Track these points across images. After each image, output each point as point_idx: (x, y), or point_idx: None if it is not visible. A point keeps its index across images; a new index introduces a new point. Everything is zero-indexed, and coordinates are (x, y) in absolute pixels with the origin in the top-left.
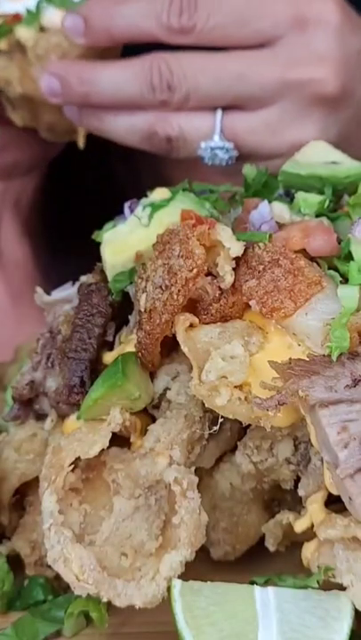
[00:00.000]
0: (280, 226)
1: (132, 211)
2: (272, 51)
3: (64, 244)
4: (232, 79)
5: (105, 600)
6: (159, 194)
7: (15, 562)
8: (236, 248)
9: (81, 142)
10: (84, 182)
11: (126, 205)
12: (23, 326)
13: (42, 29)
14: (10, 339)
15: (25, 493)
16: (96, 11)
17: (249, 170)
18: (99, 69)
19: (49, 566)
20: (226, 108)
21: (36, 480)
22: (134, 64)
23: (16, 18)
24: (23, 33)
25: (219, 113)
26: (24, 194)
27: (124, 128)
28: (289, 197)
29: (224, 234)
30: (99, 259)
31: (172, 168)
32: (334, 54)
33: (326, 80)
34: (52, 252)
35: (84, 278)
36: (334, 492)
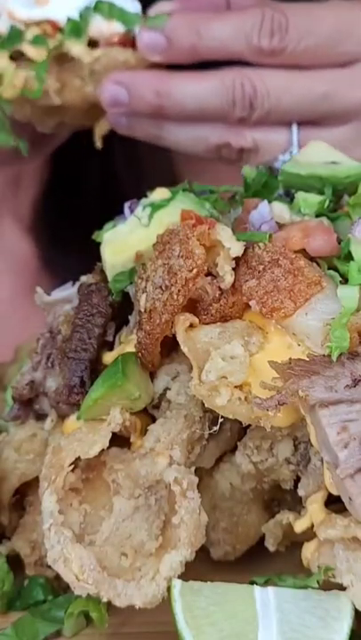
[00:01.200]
0: (280, 226)
1: (132, 211)
2: (354, 71)
3: (67, 240)
4: (317, 99)
5: (105, 600)
6: (159, 194)
7: (15, 562)
8: (236, 248)
9: (99, 143)
10: (88, 179)
11: (126, 205)
12: (30, 321)
13: (91, 42)
14: (18, 332)
15: (25, 493)
16: (182, 28)
17: (248, 170)
18: (177, 82)
19: (49, 566)
20: (300, 123)
21: (36, 480)
22: (215, 78)
23: (55, 27)
24: (75, 48)
25: (295, 128)
26: (25, 190)
27: (190, 138)
28: (289, 197)
29: (224, 234)
30: (99, 259)
31: (183, 164)
32: None
33: None
34: (56, 248)
35: (84, 278)
36: (334, 492)
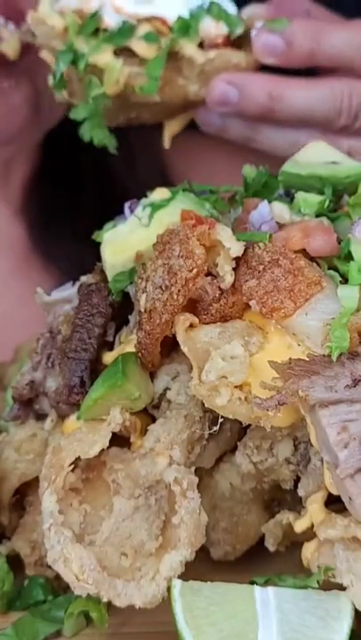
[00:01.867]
0: (280, 226)
1: (132, 211)
2: None
3: (59, 221)
4: None
5: (105, 600)
6: (159, 194)
7: (15, 562)
8: (236, 248)
9: (168, 143)
10: (80, 161)
11: (126, 205)
12: (24, 303)
13: (200, 44)
14: (11, 313)
15: (25, 493)
16: (303, 33)
17: (248, 170)
18: (290, 86)
19: (49, 566)
20: None
21: (36, 480)
22: (325, 86)
23: (165, 25)
24: (189, 48)
25: None
26: (16, 172)
27: (287, 143)
28: (289, 197)
29: (224, 234)
30: (98, 258)
31: (172, 153)
32: None
33: None
34: (47, 230)
35: (84, 278)
36: (334, 492)
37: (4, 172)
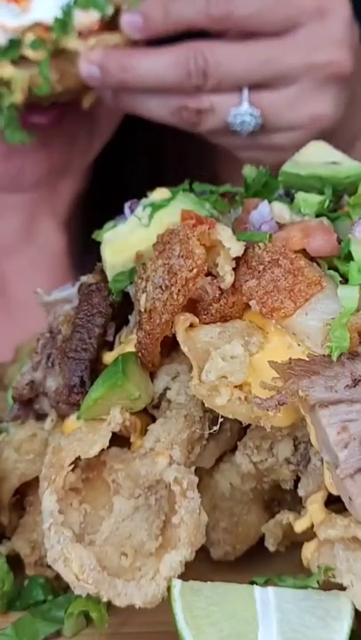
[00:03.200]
0: (280, 226)
1: (132, 211)
2: (296, 37)
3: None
4: (260, 64)
5: (105, 600)
6: (159, 194)
7: (15, 562)
8: (237, 248)
9: (87, 103)
10: (129, 181)
11: (126, 205)
12: None
13: (79, 34)
14: None
15: (25, 493)
16: (153, 7)
17: (249, 170)
18: (138, 57)
19: (49, 566)
20: (252, 87)
21: (35, 480)
22: (172, 53)
23: (45, 28)
24: (70, 42)
25: (245, 90)
26: (64, 188)
27: (157, 105)
28: (289, 198)
29: (224, 234)
30: (99, 258)
31: (223, 164)
32: (348, 39)
33: (343, 62)
34: (90, 244)
35: (84, 278)
36: (334, 492)
37: (52, 191)
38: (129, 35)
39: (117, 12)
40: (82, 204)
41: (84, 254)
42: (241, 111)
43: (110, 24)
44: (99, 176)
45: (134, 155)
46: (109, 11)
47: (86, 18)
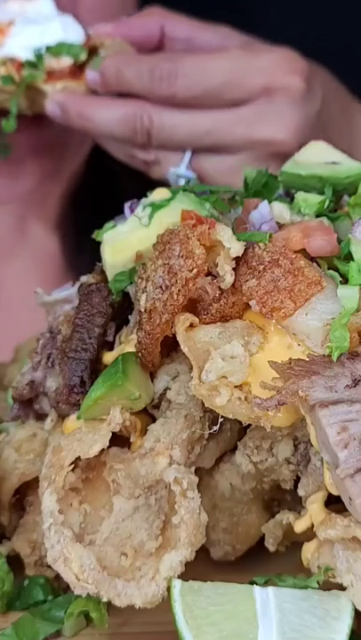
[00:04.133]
0: (280, 226)
1: (132, 211)
2: (241, 112)
3: (94, 241)
4: (202, 134)
5: (105, 600)
6: (159, 194)
7: (15, 562)
8: (237, 248)
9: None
10: (118, 181)
11: (126, 205)
12: None
13: (48, 72)
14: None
15: (25, 493)
16: (108, 69)
17: (249, 171)
18: (94, 107)
19: (49, 566)
20: (199, 150)
21: (35, 480)
22: (123, 108)
23: (18, 64)
24: (39, 83)
25: (188, 154)
26: (51, 194)
27: (113, 147)
28: (289, 198)
29: (224, 234)
30: (99, 259)
31: None
32: (295, 119)
33: (284, 141)
34: (82, 246)
35: (84, 278)
36: (334, 492)
37: (41, 190)
38: (90, 87)
39: (94, 50)
40: (72, 204)
41: (77, 254)
42: (179, 172)
43: (82, 67)
44: (89, 176)
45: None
46: (82, 57)
47: (58, 64)
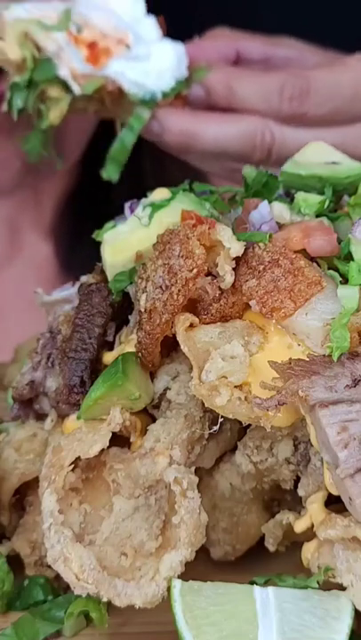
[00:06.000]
0: (280, 226)
1: (132, 211)
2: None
3: (88, 245)
4: None
5: (105, 600)
6: (159, 194)
7: (15, 562)
8: (237, 248)
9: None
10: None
11: (126, 205)
12: None
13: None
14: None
15: (25, 493)
16: (218, 83)
17: (248, 170)
18: (203, 124)
19: (49, 566)
20: None
21: (35, 480)
22: (239, 124)
23: (119, 93)
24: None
25: None
26: (47, 196)
27: (210, 164)
28: (289, 198)
29: (224, 234)
30: (99, 259)
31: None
32: None
33: None
34: (76, 251)
35: (84, 278)
36: (334, 492)
37: (34, 196)
38: (191, 103)
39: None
40: (66, 209)
41: (71, 259)
42: None
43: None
44: (82, 181)
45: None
46: (185, 91)
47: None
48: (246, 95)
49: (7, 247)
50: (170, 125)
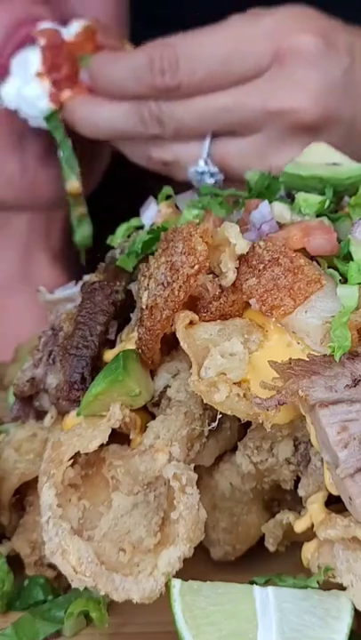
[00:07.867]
0: (281, 226)
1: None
2: (254, 83)
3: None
4: (216, 113)
5: (102, 593)
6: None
7: (15, 562)
8: (243, 245)
9: None
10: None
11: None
12: None
13: None
14: None
15: (25, 493)
16: (97, 69)
17: (251, 174)
18: (96, 106)
19: (49, 566)
20: (218, 134)
21: (35, 480)
22: (127, 101)
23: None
24: None
25: (207, 140)
26: (55, 224)
27: (130, 151)
28: (290, 199)
29: (231, 230)
30: (102, 259)
31: None
32: (313, 83)
33: (305, 109)
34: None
35: (87, 277)
36: (334, 492)
37: (46, 223)
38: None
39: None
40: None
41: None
42: (200, 169)
43: None
44: (92, 204)
45: (117, 183)
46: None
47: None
48: (119, 79)
49: (18, 270)
50: (75, 115)
